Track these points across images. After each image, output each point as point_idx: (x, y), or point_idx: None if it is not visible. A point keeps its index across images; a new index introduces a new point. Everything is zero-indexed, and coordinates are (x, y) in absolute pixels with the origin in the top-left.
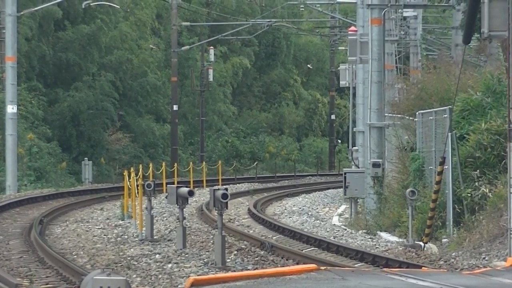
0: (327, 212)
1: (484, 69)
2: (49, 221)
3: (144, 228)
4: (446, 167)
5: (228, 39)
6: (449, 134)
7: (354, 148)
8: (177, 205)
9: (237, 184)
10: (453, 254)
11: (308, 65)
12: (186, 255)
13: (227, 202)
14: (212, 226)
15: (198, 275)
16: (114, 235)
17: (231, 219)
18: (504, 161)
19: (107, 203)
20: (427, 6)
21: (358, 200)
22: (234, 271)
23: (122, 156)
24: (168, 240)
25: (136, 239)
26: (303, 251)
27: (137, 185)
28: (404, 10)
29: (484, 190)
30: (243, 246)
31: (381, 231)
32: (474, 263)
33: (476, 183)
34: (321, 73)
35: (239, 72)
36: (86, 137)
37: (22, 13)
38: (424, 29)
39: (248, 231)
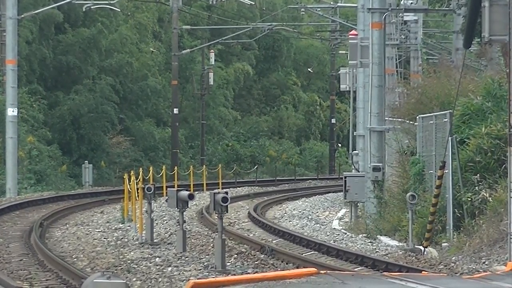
0: (327, 216)
1: (485, 74)
2: (49, 224)
3: (144, 232)
4: (446, 171)
5: (229, 42)
6: (450, 138)
7: (354, 152)
8: (177, 208)
9: (237, 188)
10: (453, 258)
11: (309, 69)
12: (186, 259)
13: (227, 205)
14: (212, 229)
15: (198, 279)
16: (114, 238)
17: (231, 223)
18: (504, 165)
19: (107, 206)
20: (427, 10)
21: (358, 204)
22: (234, 274)
23: (122, 160)
24: (168, 244)
25: (136, 242)
26: (303, 255)
27: (137, 189)
28: (404, 14)
29: (484, 194)
30: (243, 250)
31: (381, 235)
32: (474, 267)
33: (476, 188)
34: (322, 77)
35: (241, 78)
36: (86, 140)
37: (22, 16)
38: (425, 33)
39: (248, 235)
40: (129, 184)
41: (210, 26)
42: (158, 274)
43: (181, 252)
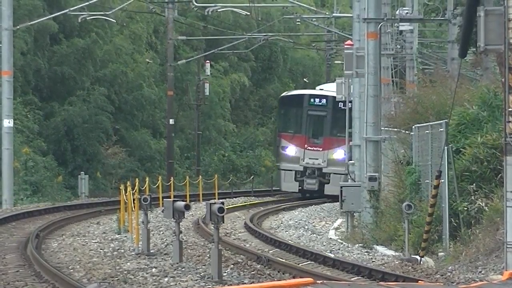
0: (323, 226)
1: (480, 83)
2: (45, 235)
3: (140, 242)
4: (442, 180)
5: (225, 53)
6: (445, 147)
7: (350, 162)
8: (174, 219)
9: (234, 198)
10: (450, 267)
11: (305, 79)
12: (183, 269)
13: (223, 216)
14: (209, 240)
15: None
16: (110, 249)
17: (228, 233)
18: (500, 174)
19: (103, 217)
20: (423, 20)
21: (354, 214)
22: (231, 285)
23: (118, 170)
24: (165, 254)
25: (133, 253)
26: (300, 265)
27: (134, 199)
28: (400, 24)
29: (480, 203)
30: (239, 260)
31: (377, 244)
32: (470, 276)
33: (472, 197)
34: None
35: (237, 89)
36: (81, 151)
37: (18, 27)
38: (420, 43)
39: (245, 245)
40: (125, 195)
41: (206, 36)
42: (154, 285)
43: (177, 263)
